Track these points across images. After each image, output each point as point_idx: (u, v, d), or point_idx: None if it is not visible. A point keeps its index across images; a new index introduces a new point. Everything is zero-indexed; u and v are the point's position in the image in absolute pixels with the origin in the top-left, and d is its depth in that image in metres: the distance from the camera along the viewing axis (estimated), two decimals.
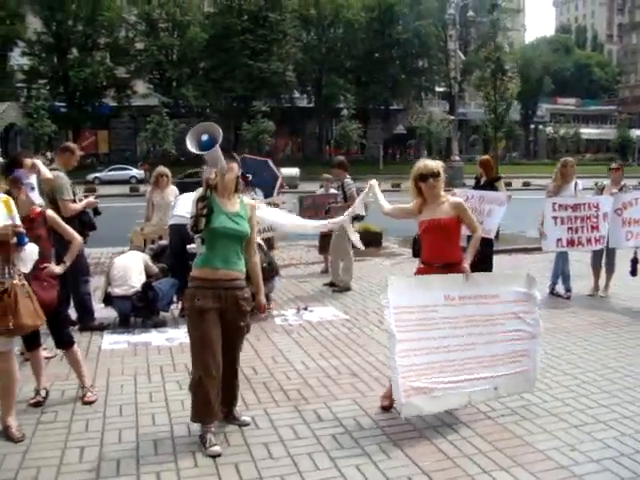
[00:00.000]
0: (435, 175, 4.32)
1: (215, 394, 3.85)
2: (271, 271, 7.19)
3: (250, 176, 9.28)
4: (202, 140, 3.83)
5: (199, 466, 3.60)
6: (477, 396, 4.26)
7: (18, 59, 43.97)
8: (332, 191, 9.49)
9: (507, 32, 50.73)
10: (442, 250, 4.32)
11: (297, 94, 51.87)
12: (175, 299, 7.03)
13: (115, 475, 3.50)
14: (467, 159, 48.66)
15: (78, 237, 4.87)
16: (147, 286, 6.63)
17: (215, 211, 3.84)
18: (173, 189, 8.62)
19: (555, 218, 7.85)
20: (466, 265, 4.27)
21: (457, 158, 33.16)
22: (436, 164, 4.37)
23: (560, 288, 8.07)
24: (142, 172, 38.07)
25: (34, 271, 4.29)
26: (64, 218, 6.30)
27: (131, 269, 6.72)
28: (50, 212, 4.78)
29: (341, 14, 46.98)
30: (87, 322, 6.57)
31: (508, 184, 18.26)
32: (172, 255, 7.30)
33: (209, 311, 3.82)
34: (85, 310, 6.57)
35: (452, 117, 35.17)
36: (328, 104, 48.39)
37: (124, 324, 6.68)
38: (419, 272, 4.42)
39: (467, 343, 4.22)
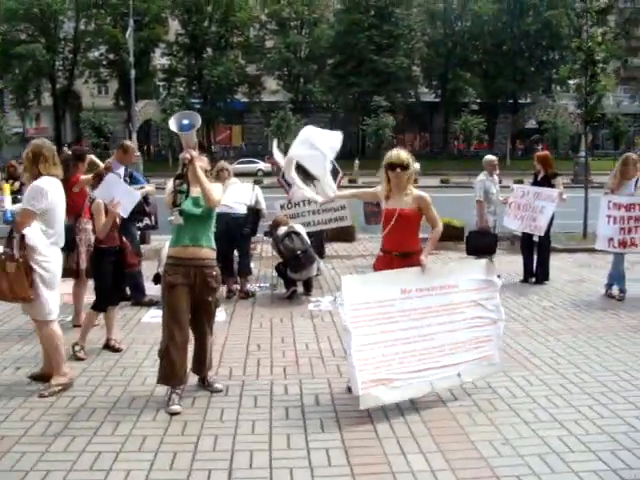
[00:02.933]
0: (403, 166, 4.46)
1: (180, 361, 4.30)
2: (307, 258, 7.55)
3: None
4: (182, 123, 4.42)
5: (156, 420, 4.08)
6: (440, 383, 4.38)
7: (159, 59, 47.59)
8: None
9: None
10: (401, 239, 4.45)
11: (423, 89, 51.43)
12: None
13: (85, 419, 4.09)
14: (602, 155, 45.55)
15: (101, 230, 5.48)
16: None
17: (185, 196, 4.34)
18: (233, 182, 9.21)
19: (609, 217, 7.50)
20: (423, 257, 4.39)
21: (583, 154, 31.34)
22: (406, 156, 4.50)
23: (615, 290, 7.69)
24: (269, 165, 39.85)
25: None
26: None
27: None
28: (95, 204, 5.42)
29: (468, 7, 45.97)
30: (138, 298, 7.32)
31: None
32: (217, 242, 7.84)
33: (178, 286, 4.30)
34: (136, 287, 7.32)
35: (579, 111, 33.16)
36: (454, 98, 47.54)
37: None
38: (378, 260, 4.61)
39: (427, 333, 4.34)
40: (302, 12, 48.97)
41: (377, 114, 42.82)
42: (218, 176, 9.17)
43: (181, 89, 47.54)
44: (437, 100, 50.91)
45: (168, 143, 39.86)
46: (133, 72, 33.40)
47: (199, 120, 4.46)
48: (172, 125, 4.45)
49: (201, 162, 4.46)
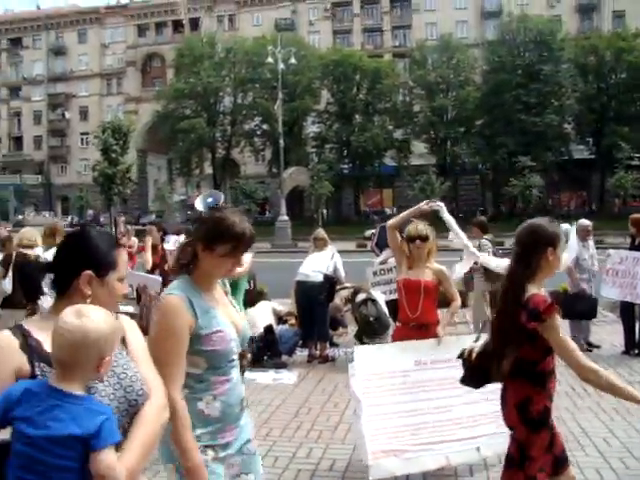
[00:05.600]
0: (422, 238, 4.59)
1: None
2: (381, 325, 7.65)
3: None
4: (207, 202, 4.98)
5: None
6: (456, 457, 4.31)
7: (310, 127, 50.44)
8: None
9: None
10: (421, 311, 4.54)
11: (576, 146, 49.23)
12: (300, 346, 8.07)
13: None
14: None
15: None
16: (268, 329, 7.75)
17: None
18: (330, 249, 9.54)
19: None
20: (440, 329, 4.43)
21: None
22: (425, 228, 4.63)
23: None
24: None
25: None
26: None
27: (257, 315, 7.95)
28: None
29: (622, 58, 43.62)
30: None
31: None
32: (297, 307, 8.29)
33: None
34: None
35: None
36: (610, 154, 44.86)
37: (253, 363, 7.77)
38: (396, 331, 4.69)
39: (442, 405, 4.33)
40: (448, 75, 49.50)
41: (523, 174, 41.67)
42: (315, 244, 9.12)
43: (330, 155, 49.67)
44: (592, 157, 48.33)
45: (315, 208, 41.77)
46: (282, 141, 35.80)
47: (222, 197, 5.06)
48: (198, 204, 4.99)
49: None
